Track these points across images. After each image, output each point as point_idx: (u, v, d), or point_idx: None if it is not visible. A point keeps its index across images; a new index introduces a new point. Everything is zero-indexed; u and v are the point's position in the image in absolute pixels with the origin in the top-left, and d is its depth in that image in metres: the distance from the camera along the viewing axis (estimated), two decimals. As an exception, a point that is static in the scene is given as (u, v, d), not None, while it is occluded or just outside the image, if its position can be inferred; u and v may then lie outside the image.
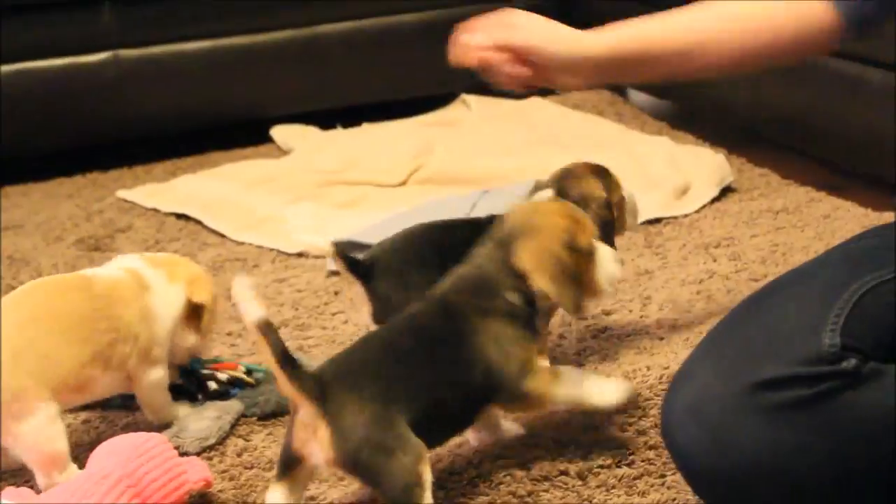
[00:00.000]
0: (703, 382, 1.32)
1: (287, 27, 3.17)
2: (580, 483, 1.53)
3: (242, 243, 2.48)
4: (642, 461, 1.56)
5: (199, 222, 2.60)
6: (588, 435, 1.63)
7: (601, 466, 1.55)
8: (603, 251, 1.55)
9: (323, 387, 1.35)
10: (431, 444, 1.41)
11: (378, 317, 1.68)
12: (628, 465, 1.56)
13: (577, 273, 1.51)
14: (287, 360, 1.34)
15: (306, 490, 1.46)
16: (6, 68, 2.94)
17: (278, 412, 1.74)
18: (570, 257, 1.50)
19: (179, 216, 2.65)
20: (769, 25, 1.60)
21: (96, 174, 3.01)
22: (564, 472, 1.54)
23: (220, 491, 1.56)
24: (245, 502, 1.54)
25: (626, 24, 1.63)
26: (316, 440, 1.35)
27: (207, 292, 1.73)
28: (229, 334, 2.02)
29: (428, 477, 1.35)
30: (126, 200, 2.79)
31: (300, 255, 2.38)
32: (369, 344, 1.46)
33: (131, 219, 2.67)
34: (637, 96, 3.38)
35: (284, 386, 1.35)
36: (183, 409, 1.73)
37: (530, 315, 1.50)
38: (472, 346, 1.45)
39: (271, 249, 2.43)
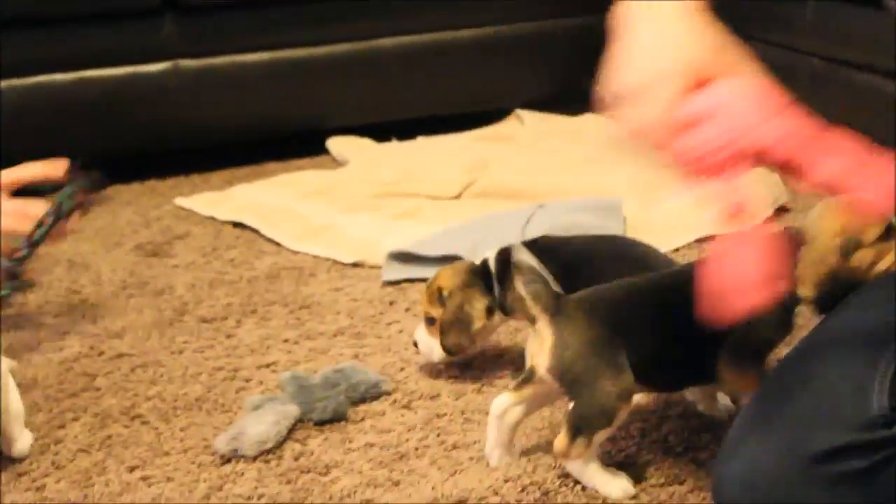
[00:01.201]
0: (755, 455, 1.29)
1: (345, 40, 3.20)
2: (632, 501, 1.54)
3: (298, 252, 2.50)
4: (695, 480, 1.57)
5: (255, 231, 2.63)
6: (641, 455, 1.64)
7: (653, 486, 1.56)
8: None
9: (560, 303, 1.52)
10: (664, 386, 1.61)
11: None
12: (680, 483, 1.57)
13: (864, 270, 1.53)
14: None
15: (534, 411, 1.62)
16: (67, 76, 2.99)
17: (335, 418, 1.76)
18: (854, 258, 1.53)
19: (236, 225, 2.68)
20: None
21: (154, 182, 3.05)
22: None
23: (277, 494, 1.58)
24: (301, 506, 1.56)
25: None
26: (542, 349, 1.51)
27: None
28: (286, 341, 2.05)
29: (622, 415, 1.52)
30: (183, 208, 2.83)
31: (356, 265, 2.40)
32: (618, 283, 1.60)
33: (189, 226, 2.70)
34: (691, 115, 3.37)
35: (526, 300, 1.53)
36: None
37: (787, 313, 1.58)
38: None
39: (327, 259, 2.45)
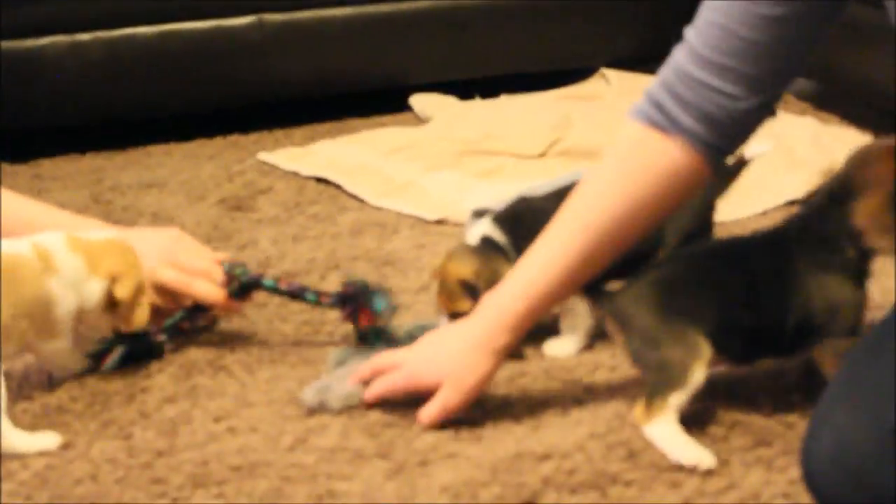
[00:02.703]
0: (843, 429, 1.30)
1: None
2: (718, 463, 1.52)
3: (381, 209, 2.50)
4: (782, 442, 1.55)
5: (338, 187, 2.63)
6: (729, 415, 1.62)
7: (741, 447, 1.55)
8: None
9: (615, 304, 1.58)
10: (745, 358, 1.61)
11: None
12: (767, 446, 1.55)
13: None
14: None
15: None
16: (152, 29, 3.01)
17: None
18: None
19: (319, 180, 2.68)
20: (646, 202, 1.54)
21: (237, 136, 3.06)
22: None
23: (361, 447, 1.58)
24: (386, 459, 1.56)
25: (509, 292, 1.60)
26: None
27: (128, 288, 1.75)
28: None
29: (697, 377, 1.53)
30: (266, 163, 2.83)
31: (439, 222, 2.40)
32: (678, 260, 1.66)
33: (271, 181, 2.71)
34: (779, 76, 3.32)
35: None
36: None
37: (865, 272, 1.57)
38: (797, 291, 1.56)
39: (410, 216, 2.45)
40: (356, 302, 1.82)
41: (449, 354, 1.61)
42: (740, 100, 1.49)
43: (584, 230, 1.55)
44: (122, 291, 1.75)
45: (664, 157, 1.52)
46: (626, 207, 1.54)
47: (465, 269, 1.80)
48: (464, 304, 1.79)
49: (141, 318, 1.79)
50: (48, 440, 1.63)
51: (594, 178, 1.58)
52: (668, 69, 1.54)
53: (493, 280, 1.76)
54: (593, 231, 1.55)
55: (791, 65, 1.52)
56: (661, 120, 1.52)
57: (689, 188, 1.57)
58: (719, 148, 1.54)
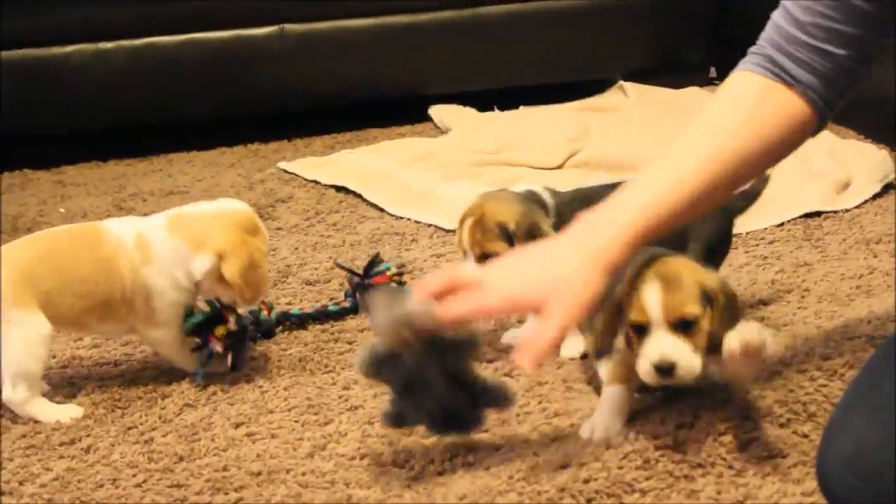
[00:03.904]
0: (859, 434, 1.31)
1: (449, 7, 3.20)
2: (733, 472, 1.52)
3: (401, 218, 2.52)
4: (797, 453, 1.55)
5: (358, 196, 2.65)
6: (744, 427, 1.62)
7: (756, 458, 1.55)
8: None
9: None
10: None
11: None
12: (783, 456, 1.55)
13: None
14: None
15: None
16: (175, 38, 3.03)
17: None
18: None
19: (339, 189, 2.70)
20: (769, 144, 1.57)
21: (257, 145, 3.09)
22: (722, 459, 1.54)
23: (379, 455, 1.59)
24: (403, 467, 1.57)
25: (634, 205, 1.52)
26: None
27: (236, 267, 1.76)
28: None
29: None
30: (287, 171, 2.85)
31: (457, 231, 2.42)
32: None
33: (292, 189, 2.73)
34: (797, 89, 3.33)
35: None
36: None
37: None
38: None
39: (429, 225, 2.46)
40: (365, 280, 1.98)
41: (555, 270, 1.46)
42: (844, 57, 1.54)
43: (714, 159, 1.54)
44: (229, 270, 1.76)
45: (787, 106, 1.57)
46: (754, 146, 1.56)
47: (506, 213, 1.77)
48: (497, 245, 1.78)
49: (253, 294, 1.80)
50: (71, 411, 1.70)
51: (718, 118, 1.59)
52: (771, 31, 1.59)
53: (530, 232, 1.76)
54: (722, 162, 1.54)
55: (885, 21, 1.56)
56: (781, 73, 1.57)
57: (803, 137, 1.62)
58: (828, 102, 1.58)
